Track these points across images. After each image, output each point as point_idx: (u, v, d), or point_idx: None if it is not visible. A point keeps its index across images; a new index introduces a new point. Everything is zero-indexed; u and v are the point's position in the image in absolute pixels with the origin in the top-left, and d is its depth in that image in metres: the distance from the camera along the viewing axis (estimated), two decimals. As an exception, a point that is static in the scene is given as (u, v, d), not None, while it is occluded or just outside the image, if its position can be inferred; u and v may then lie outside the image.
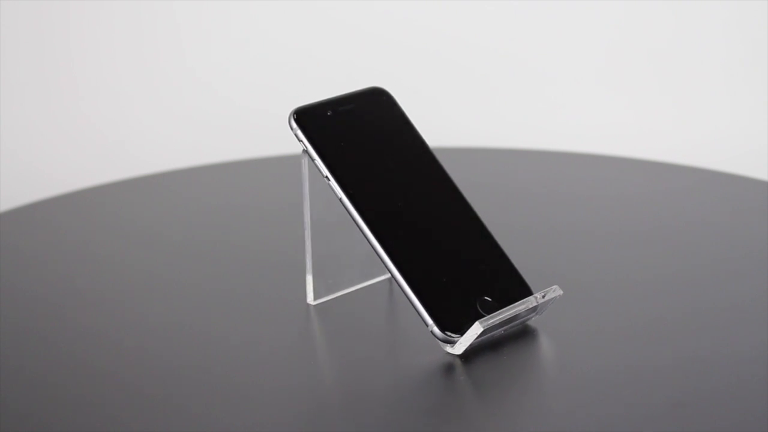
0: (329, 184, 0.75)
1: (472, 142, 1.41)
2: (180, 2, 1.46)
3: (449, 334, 0.72)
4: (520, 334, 0.75)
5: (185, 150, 1.43)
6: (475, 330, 0.72)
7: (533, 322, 0.76)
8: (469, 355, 0.72)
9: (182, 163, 1.30)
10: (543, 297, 0.75)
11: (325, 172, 0.75)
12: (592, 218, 0.96)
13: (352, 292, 0.81)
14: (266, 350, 0.75)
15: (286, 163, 1.05)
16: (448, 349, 0.72)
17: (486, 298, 0.74)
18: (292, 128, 0.75)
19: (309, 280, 0.79)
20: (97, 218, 1.00)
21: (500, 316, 0.73)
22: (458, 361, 0.72)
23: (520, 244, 0.81)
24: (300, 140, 0.75)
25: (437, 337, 0.72)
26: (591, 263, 0.86)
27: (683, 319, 0.77)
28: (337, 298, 0.80)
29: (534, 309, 0.75)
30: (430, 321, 0.72)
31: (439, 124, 1.44)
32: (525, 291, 0.75)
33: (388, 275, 0.82)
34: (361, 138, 0.77)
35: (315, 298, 0.79)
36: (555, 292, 0.75)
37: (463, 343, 0.72)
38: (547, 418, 0.68)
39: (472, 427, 0.67)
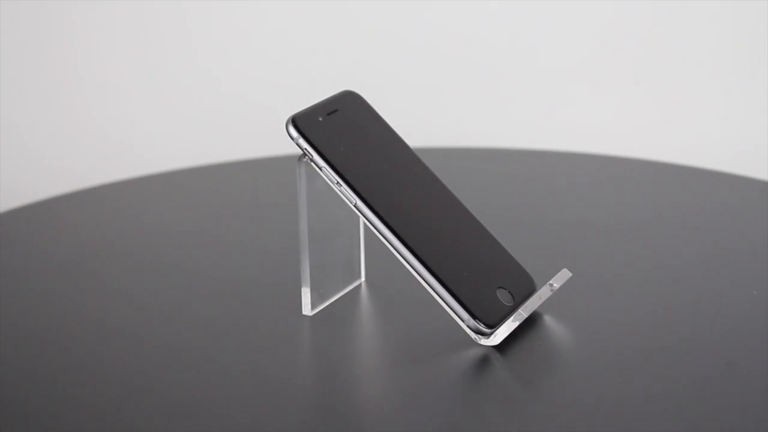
0: (340, 191, 0.74)
1: (471, 142, 1.41)
2: (182, 3, 1.46)
3: (482, 325, 0.73)
4: (533, 320, 0.77)
5: (186, 150, 1.44)
6: (516, 320, 0.73)
7: (540, 308, 0.77)
8: (500, 344, 0.74)
9: (183, 163, 1.30)
10: (556, 282, 0.77)
11: (336, 178, 0.74)
12: (591, 218, 0.96)
13: (337, 299, 0.80)
14: (273, 356, 0.74)
15: (285, 163, 1.05)
16: (482, 341, 0.73)
17: (502, 288, 0.75)
18: (292, 137, 0.74)
19: (305, 292, 0.78)
20: (97, 218, 1.00)
21: (532, 306, 0.75)
22: (494, 351, 0.73)
23: (519, 242, 0.82)
24: (303, 148, 0.74)
25: (473, 330, 0.73)
26: (590, 261, 0.86)
27: (682, 315, 0.78)
28: (328, 306, 0.80)
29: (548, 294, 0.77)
30: (466, 315, 0.73)
31: (438, 124, 1.44)
32: (529, 279, 0.77)
33: (363, 279, 0.82)
34: (354, 142, 0.76)
35: (311, 309, 0.78)
36: (565, 275, 0.78)
37: (502, 333, 0.73)
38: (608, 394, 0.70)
39: (547, 406, 0.69)
